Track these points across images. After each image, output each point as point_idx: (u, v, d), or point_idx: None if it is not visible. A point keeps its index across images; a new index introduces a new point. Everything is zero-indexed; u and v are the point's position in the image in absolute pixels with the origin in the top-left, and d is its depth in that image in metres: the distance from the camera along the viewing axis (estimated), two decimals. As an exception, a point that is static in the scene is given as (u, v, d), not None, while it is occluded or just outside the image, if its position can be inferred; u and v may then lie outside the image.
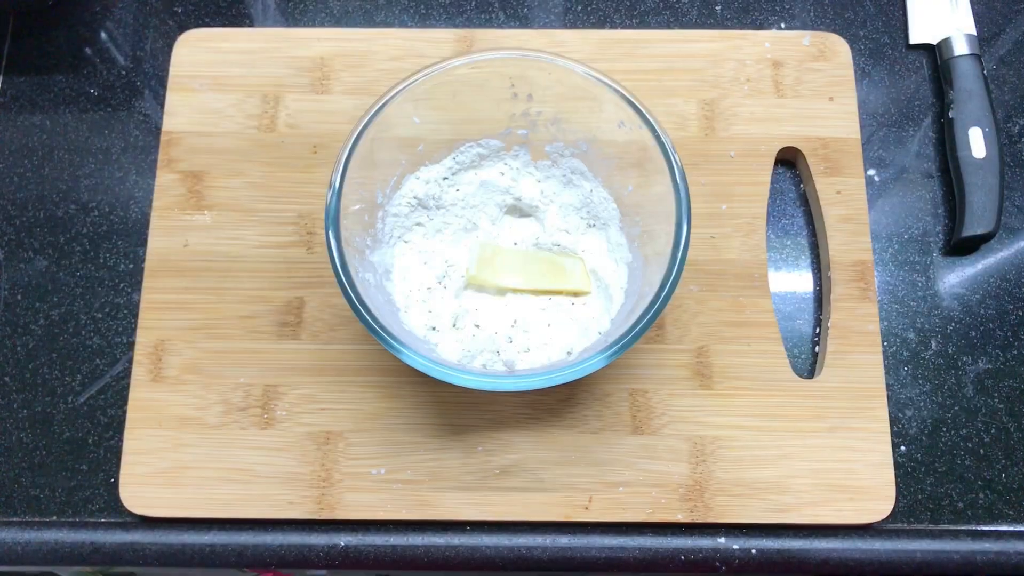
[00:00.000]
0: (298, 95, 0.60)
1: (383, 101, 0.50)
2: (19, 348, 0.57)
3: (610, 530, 0.52)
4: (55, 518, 0.53)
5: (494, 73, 0.52)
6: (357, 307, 0.46)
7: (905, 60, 0.63)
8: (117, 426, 0.55)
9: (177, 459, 0.53)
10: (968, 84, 0.60)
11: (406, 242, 0.55)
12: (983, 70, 0.61)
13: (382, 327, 0.45)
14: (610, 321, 0.52)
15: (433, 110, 0.53)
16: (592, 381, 0.54)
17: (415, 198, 0.55)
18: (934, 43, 0.63)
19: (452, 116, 0.54)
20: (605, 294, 0.54)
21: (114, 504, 0.53)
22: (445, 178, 0.56)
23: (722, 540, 0.52)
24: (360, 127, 0.50)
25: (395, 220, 0.54)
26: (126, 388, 0.55)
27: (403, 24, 0.64)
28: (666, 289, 0.47)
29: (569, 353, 0.52)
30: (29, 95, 0.63)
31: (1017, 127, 0.61)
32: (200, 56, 0.61)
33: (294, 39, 0.62)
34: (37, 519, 0.53)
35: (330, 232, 0.47)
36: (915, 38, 0.64)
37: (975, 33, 0.62)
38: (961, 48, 0.61)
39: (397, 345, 0.45)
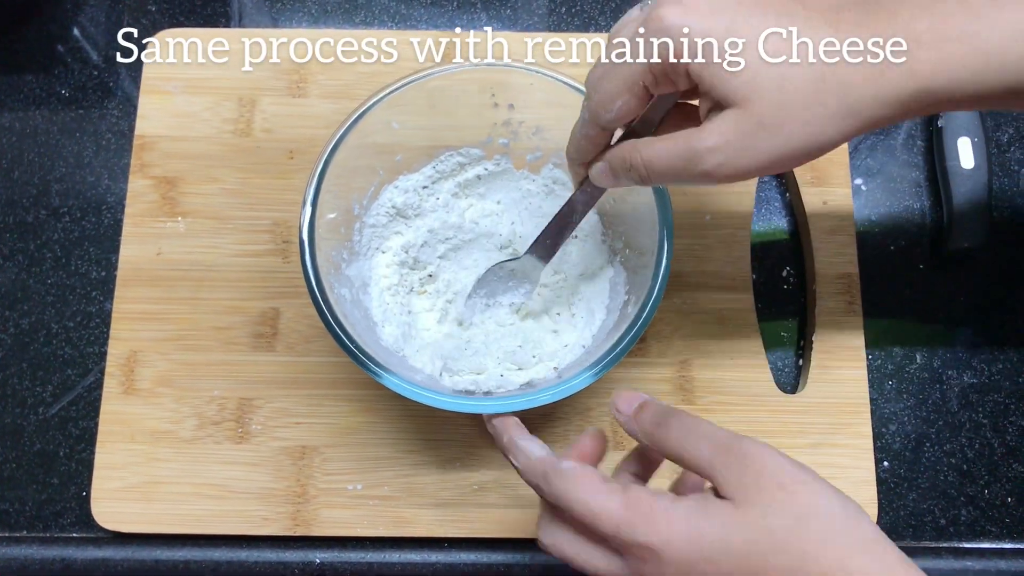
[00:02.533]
0: (274, 99, 0.59)
1: (362, 109, 0.49)
2: (-12, 358, 0.56)
3: (589, 547, 0.52)
4: (25, 533, 0.52)
5: (475, 81, 0.51)
6: (334, 328, 0.45)
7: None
8: (89, 439, 0.54)
9: (150, 474, 0.52)
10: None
11: (383, 252, 0.54)
12: (973, 78, 0.60)
13: (361, 350, 0.44)
14: (592, 337, 0.51)
15: (413, 117, 0.52)
16: (573, 396, 0.53)
17: (393, 207, 0.54)
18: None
19: (432, 124, 0.53)
20: (587, 309, 0.53)
21: (86, 519, 0.52)
22: (424, 187, 0.55)
23: (702, 558, 0.51)
24: (337, 135, 0.48)
25: (372, 231, 0.53)
26: (98, 400, 0.54)
27: (383, 25, 0.63)
28: (649, 306, 0.46)
29: (556, 369, 0.51)
30: (-2, 95, 0.61)
31: (1006, 136, 0.61)
32: (174, 57, 0.60)
33: (271, 40, 0.60)
34: (6, 534, 0.52)
35: (305, 248, 0.46)
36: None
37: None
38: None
39: (377, 370, 0.44)
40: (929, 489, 0.54)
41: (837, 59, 0.36)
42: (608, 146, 0.42)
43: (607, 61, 0.39)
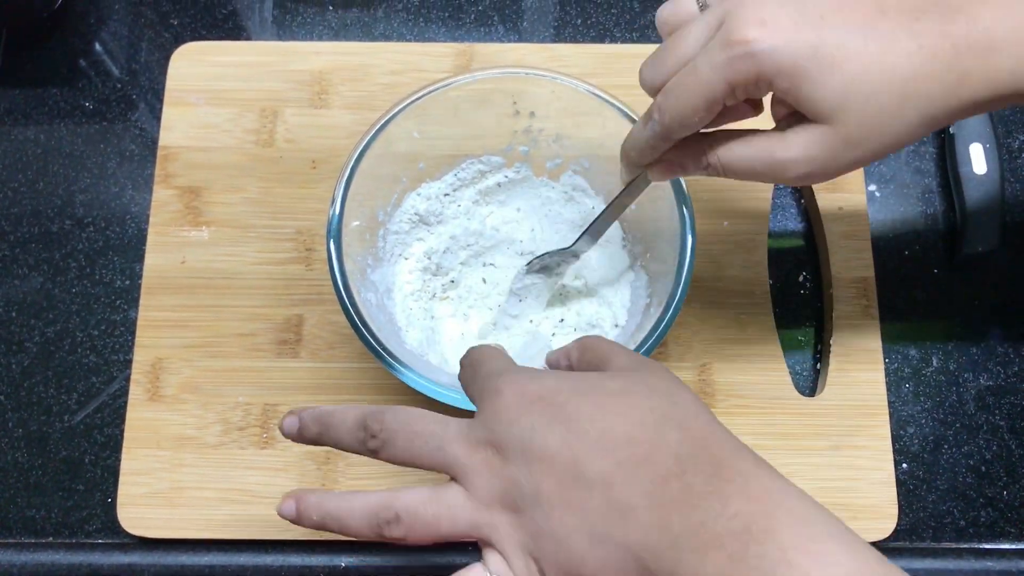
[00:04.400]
0: (296, 110, 0.60)
1: (385, 119, 0.50)
2: (14, 366, 0.56)
3: (613, 550, 0.52)
4: (51, 539, 0.53)
5: (496, 90, 0.52)
6: (361, 329, 0.46)
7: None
8: (114, 445, 0.54)
9: (175, 479, 0.53)
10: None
11: (406, 258, 0.55)
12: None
13: (387, 350, 0.45)
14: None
15: (435, 127, 0.52)
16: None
17: (416, 214, 0.55)
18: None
19: (454, 133, 0.54)
20: (609, 314, 0.53)
21: (111, 525, 0.53)
22: (446, 194, 0.56)
23: (725, 560, 0.52)
24: (362, 144, 0.49)
25: (396, 237, 0.54)
26: (123, 407, 0.54)
27: (402, 38, 0.64)
28: (671, 311, 0.46)
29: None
30: (23, 108, 0.62)
31: (1018, 142, 0.61)
32: (197, 69, 0.61)
33: (292, 53, 0.61)
34: (33, 540, 0.53)
35: (332, 251, 0.47)
36: None
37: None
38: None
39: (402, 368, 0.45)
40: (948, 491, 0.55)
41: (919, 74, 0.36)
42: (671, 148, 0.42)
43: (675, 66, 0.39)
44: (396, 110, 0.50)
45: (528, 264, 0.53)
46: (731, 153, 0.40)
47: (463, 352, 0.41)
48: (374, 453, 0.37)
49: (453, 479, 0.35)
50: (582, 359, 0.40)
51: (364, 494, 0.36)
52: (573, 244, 0.51)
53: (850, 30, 0.36)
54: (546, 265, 0.53)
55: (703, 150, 0.41)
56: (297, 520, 0.37)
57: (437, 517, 0.34)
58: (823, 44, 0.36)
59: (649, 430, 0.33)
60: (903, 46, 0.36)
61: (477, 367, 0.38)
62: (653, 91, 0.40)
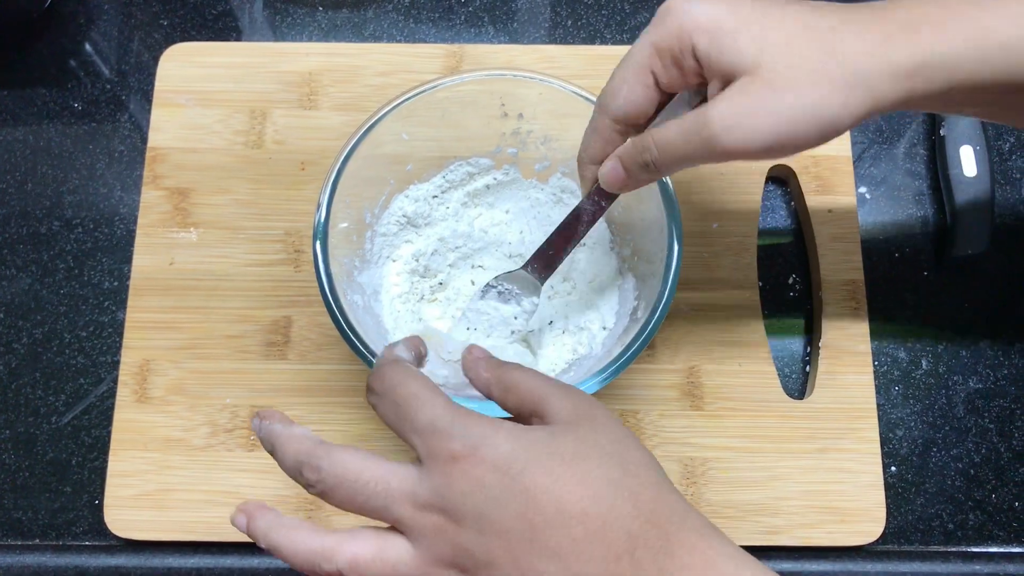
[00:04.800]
0: (285, 111, 0.60)
1: (372, 120, 0.50)
2: (1, 367, 0.56)
3: (600, 553, 0.52)
4: (38, 541, 0.53)
5: (484, 91, 0.51)
6: (346, 332, 0.45)
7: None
8: (102, 447, 0.54)
9: (163, 481, 0.52)
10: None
11: (394, 260, 0.55)
12: (974, 88, 0.61)
13: (373, 353, 0.45)
14: (601, 344, 0.52)
15: (422, 128, 0.52)
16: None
17: (404, 216, 0.55)
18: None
19: (442, 135, 0.53)
20: (596, 315, 0.53)
21: (98, 527, 0.53)
22: (434, 196, 0.55)
23: (713, 563, 0.52)
24: (349, 146, 0.49)
25: (383, 239, 0.54)
26: (110, 408, 0.54)
27: (392, 39, 0.64)
28: (658, 313, 0.46)
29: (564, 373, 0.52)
30: (12, 109, 0.62)
31: (1007, 145, 0.61)
32: (186, 70, 0.61)
33: (281, 54, 0.61)
34: (19, 543, 0.53)
35: (318, 253, 0.47)
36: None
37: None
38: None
39: None
40: (936, 494, 0.54)
41: (843, 34, 0.37)
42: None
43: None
44: (384, 112, 0.50)
45: (484, 287, 0.50)
46: (664, 129, 0.40)
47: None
48: (318, 495, 0.36)
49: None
50: (506, 400, 0.38)
51: (311, 533, 0.35)
52: (522, 267, 0.49)
53: (774, 4, 0.38)
54: (503, 291, 0.50)
55: (642, 136, 0.41)
56: (248, 534, 0.37)
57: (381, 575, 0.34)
58: (740, 5, 0.38)
59: (603, 504, 0.33)
60: (828, 18, 0.37)
61: (409, 410, 0.35)
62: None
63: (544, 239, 0.49)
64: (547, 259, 0.49)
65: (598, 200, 0.46)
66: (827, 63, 0.36)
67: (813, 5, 0.38)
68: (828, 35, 0.37)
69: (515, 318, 0.50)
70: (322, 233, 0.47)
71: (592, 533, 0.32)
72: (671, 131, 0.39)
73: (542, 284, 0.50)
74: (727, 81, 0.38)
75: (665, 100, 0.42)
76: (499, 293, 0.50)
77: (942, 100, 0.38)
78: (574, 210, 0.47)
